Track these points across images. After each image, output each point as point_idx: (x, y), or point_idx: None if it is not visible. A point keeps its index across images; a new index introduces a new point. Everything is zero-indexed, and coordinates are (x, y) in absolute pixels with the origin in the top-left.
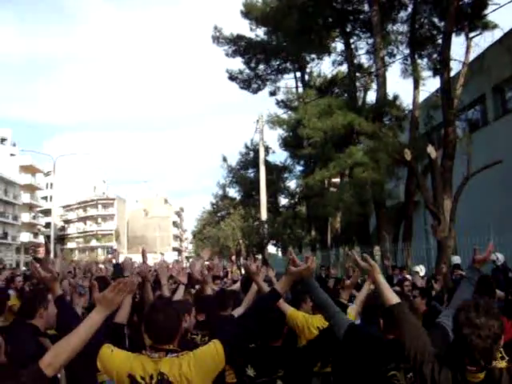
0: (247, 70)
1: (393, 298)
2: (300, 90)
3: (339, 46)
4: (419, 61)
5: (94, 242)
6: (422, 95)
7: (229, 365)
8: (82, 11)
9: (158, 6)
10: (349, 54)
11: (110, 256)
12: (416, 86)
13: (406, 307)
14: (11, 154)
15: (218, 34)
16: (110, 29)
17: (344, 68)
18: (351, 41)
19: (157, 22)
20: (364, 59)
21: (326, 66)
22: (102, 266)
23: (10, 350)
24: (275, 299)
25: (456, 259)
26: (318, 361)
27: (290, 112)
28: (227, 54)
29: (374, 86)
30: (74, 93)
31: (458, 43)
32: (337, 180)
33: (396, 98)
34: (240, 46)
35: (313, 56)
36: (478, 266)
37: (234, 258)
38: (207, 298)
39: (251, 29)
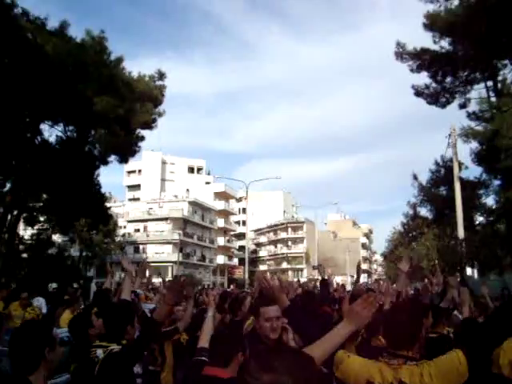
0: (434, 84)
1: None
2: (492, 99)
3: None
4: None
5: (284, 265)
6: None
7: None
8: (262, 46)
9: (334, 35)
10: None
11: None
12: None
13: None
14: (206, 182)
15: (401, 49)
16: (286, 60)
17: None
18: None
19: (332, 51)
20: None
21: None
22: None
23: None
24: None
25: None
26: None
27: (483, 123)
28: (412, 70)
29: None
30: (260, 122)
31: None
32: None
33: None
34: (425, 59)
35: (505, 62)
36: None
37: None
38: None
39: (435, 41)
